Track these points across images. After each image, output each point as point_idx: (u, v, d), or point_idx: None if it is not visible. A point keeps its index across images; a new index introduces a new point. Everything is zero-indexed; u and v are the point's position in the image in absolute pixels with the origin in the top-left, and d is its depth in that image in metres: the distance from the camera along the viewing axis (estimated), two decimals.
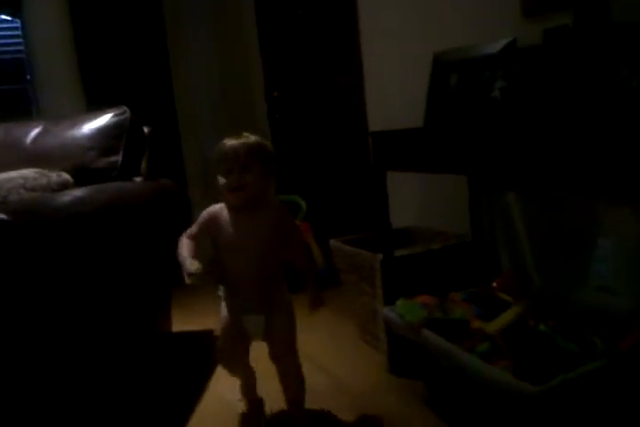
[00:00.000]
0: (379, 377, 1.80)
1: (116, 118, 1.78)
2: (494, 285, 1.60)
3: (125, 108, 1.80)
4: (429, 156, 1.60)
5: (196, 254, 1.40)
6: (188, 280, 1.33)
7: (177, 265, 1.40)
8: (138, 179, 1.83)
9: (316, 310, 1.50)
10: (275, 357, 1.49)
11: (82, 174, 1.72)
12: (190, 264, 1.35)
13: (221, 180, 1.39)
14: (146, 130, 1.89)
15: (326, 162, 3.04)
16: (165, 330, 2.14)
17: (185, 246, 1.43)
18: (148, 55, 3.14)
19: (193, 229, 1.47)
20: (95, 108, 1.94)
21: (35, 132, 1.93)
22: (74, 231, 1.39)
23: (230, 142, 1.41)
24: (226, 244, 1.44)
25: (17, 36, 3.10)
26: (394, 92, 2.33)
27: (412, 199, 2.27)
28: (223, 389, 1.75)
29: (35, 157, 1.81)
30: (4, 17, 3.08)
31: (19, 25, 3.08)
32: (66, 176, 1.66)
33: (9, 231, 1.19)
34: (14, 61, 3.12)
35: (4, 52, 3.11)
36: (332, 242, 2.14)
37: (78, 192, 1.52)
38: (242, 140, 1.41)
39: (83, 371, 1.45)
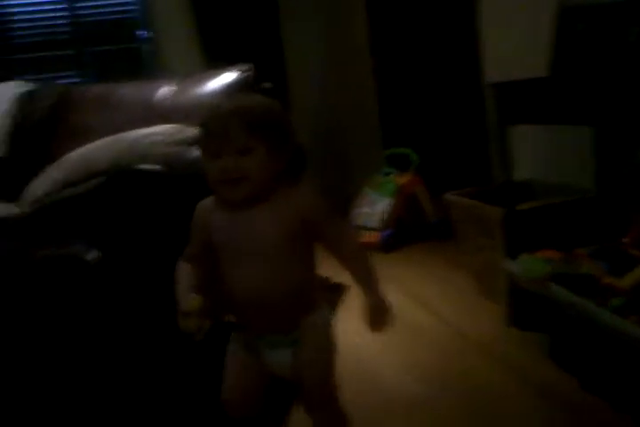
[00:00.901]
0: (499, 329, 1.81)
1: (242, 75, 1.83)
2: (626, 240, 1.55)
3: (251, 64, 1.85)
4: (557, 107, 1.55)
5: (200, 284, 1.03)
6: (181, 324, 0.97)
7: None
8: None
9: (377, 330, 1.02)
10: (307, 406, 1.07)
11: None
12: (188, 300, 0.98)
13: (208, 165, 0.97)
14: (268, 85, 1.93)
15: (439, 114, 2.99)
16: None
17: (181, 275, 1.04)
18: (259, 11, 3.14)
19: (189, 247, 1.08)
20: (214, 66, 1.99)
21: (163, 89, 2.03)
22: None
23: (218, 110, 1.00)
24: (222, 255, 1.03)
25: None
26: (513, 40, 2.24)
27: (532, 151, 2.20)
28: None
29: (166, 113, 1.91)
30: None
31: None
32: None
33: (163, 182, 1.29)
34: (128, 21, 3.20)
35: (117, 11, 3.19)
36: (450, 195, 2.14)
37: None
38: (235, 106, 1.00)
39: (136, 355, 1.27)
